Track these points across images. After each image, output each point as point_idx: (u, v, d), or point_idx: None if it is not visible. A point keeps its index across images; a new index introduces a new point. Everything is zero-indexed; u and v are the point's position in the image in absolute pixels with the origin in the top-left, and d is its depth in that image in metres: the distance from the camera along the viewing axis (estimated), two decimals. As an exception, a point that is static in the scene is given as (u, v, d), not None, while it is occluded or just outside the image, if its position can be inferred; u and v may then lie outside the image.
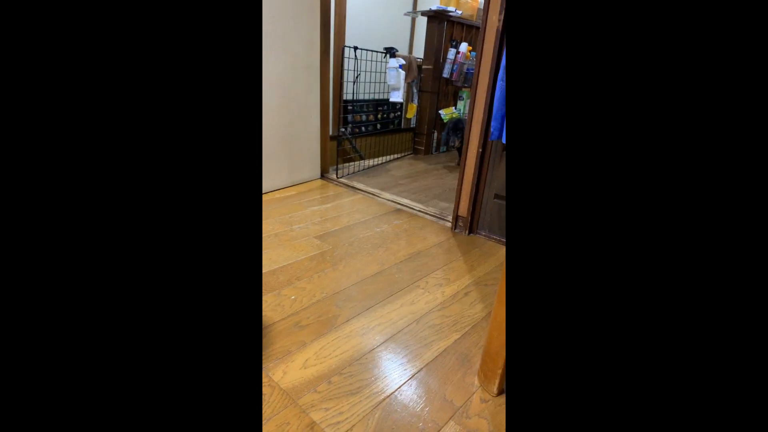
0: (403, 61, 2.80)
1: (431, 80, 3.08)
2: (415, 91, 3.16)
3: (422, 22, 3.18)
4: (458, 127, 2.79)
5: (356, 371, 0.96)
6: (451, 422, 0.85)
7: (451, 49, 3.06)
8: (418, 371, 0.98)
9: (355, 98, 2.83)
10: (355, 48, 2.50)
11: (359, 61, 2.62)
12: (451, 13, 2.88)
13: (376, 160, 3.00)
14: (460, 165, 1.76)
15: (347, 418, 0.83)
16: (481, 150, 1.65)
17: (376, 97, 3.01)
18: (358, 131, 2.97)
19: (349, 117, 2.89)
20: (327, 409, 0.85)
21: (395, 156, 3.20)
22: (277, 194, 2.13)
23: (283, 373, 0.94)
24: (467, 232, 1.79)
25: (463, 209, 1.79)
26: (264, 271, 1.37)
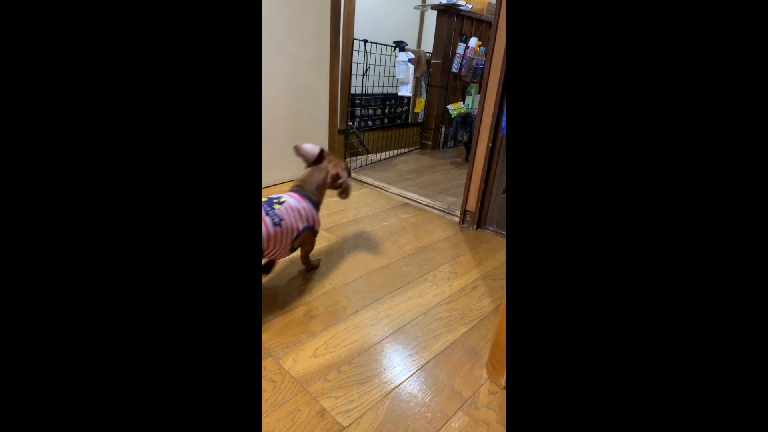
0: (412, 55, 2.79)
1: (440, 75, 3.06)
2: (423, 85, 3.15)
3: (432, 16, 3.16)
4: (467, 121, 2.77)
5: (365, 361, 0.97)
6: (460, 413, 0.86)
7: (460, 43, 3.04)
8: (427, 362, 0.99)
9: (363, 92, 2.83)
10: (365, 41, 2.50)
11: (368, 54, 2.62)
12: (461, 7, 2.86)
13: (382, 154, 3.00)
14: (469, 159, 1.76)
15: (357, 407, 0.84)
16: (490, 145, 1.64)
17: (384, 91, 3.00)
18: (365, 125, 2.97)
19: (357, 111, 2.89)
20: (337, 397, 0.86)
21: (402, 150, 3.20)
22: (286, 186, 2.14)
23: (294, 361, 0.95)
24: (475, 227, 1.79)
25: (472, 204, 1.79)
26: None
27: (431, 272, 1.41)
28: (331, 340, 1.03)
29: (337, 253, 1.49)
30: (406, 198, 2.13)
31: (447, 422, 0.83)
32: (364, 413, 0.83)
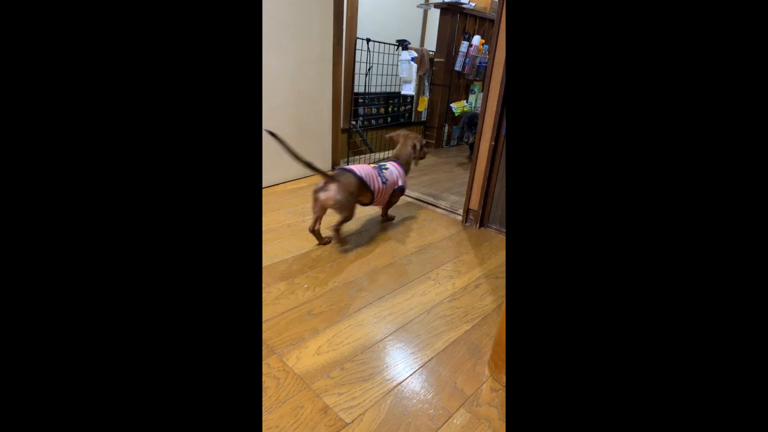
0: (415, 54, 2.79)
1: (443, 73, 3.06)
2: (426, 84, 3.14)
3: (435, 15, 3.15)
4: (474, 122, 2.77)
5: (368, 358, 0.98)
6: (462, 410, 0.86)
7: (463, 42, 3.04)
8: (429, 360, 0.99)
9: (366, 91, 2.83)
10: (368, 40, 2.50)
11: (371, 53, 2.62)
12: (464, 6, 2.85)
13: (385, 153, 3.00)
14: (473, 158, 1.76)
15: (360, 403, 0.85)
16: (493, 143, 1.64)
17: (387, 89, 3.00)
18: (368, 124, 2.97)
19: (360, 110, 2.90)
20: (340, 394, 0.87)
21: (405, 149, 3.19)
22: (289, 185, 2.15)
23: (297, 358, 0.96)
24: (478, 225, 1.79)
25: (475, 202, 1.79)
26: (277, 260, 1.39)
27: (434, 270, 1.41)
28: (335, 338, 1.04)
29: (341, 251, 1.50)
30: (409, 196, 2.13)
31: (449, 419, 0.83)
32: (366, 410, 0.84)
